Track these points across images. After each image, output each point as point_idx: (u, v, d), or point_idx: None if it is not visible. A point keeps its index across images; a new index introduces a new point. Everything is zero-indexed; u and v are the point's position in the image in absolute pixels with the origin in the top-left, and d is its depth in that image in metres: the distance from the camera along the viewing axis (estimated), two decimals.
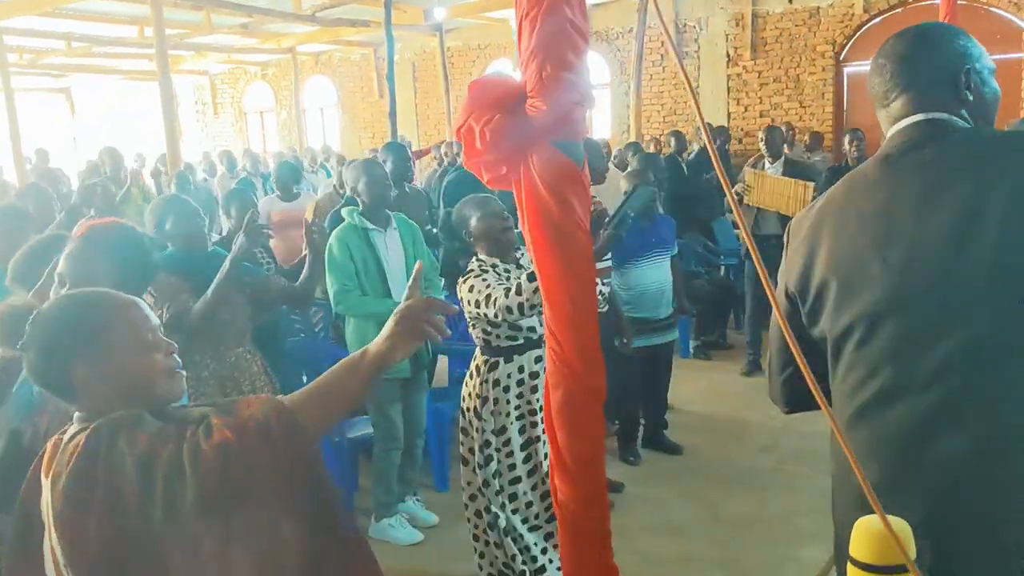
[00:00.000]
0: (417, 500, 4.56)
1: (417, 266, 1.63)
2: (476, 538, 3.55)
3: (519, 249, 3.52)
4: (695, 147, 9.97)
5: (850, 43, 11.47)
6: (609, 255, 3.95)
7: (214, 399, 2.95)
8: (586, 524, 1.73)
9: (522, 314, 3.11)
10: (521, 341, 3.42)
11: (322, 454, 1.58)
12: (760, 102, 12.23)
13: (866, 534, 1.18)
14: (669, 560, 3.95)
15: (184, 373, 1.66)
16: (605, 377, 1.73)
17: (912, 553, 1.14)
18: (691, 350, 7.14)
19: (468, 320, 3.46)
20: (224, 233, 5.80)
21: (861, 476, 1.12)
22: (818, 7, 11.50)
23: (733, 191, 6.37)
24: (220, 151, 13.24)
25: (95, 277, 2.25)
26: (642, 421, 5.36)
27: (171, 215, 3.56)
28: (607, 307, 4.71)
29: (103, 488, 1.43)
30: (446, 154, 10.48)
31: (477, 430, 3.43)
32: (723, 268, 6.91)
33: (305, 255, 3.86)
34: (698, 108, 1.28)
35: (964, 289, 1.53)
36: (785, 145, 8.87)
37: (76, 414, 1.59)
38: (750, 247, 1.50)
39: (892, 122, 1.77)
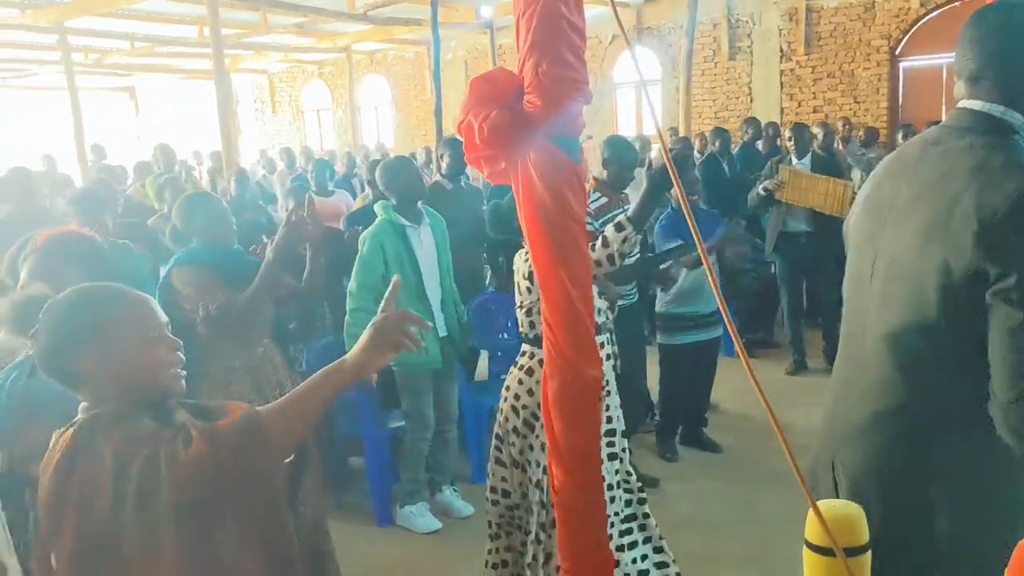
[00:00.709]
0: (454, 490, 4.63)
1: (394, 280, 1.69)
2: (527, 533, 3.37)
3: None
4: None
5: (906, 38, 11.23)
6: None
7: (219, 395, 3.06)
8: (581, 510, 1.76)
9: (612, 265, 2.98)
10: None
11: (284, 472, 1.58)
12: (813, 97, 12.05)
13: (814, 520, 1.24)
14: (703, 557, 3.94)
15: (184, 372, 1.71)
16: (600, 368, 1.75)
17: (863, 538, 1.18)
18: (734, 348, 7.07)
19: (524, 307, 3.33)
20: None
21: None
22: (873, 1, 11.29)
23: (764, 187, 6.37)
24: (280, 148, 13.49)
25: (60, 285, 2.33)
26: (681, 418, 5.35)
27: (199, 212, 3.65)
28: (636, 298, 4.72)
29: (79, 482, 1.49)
30: None
31: (537, 423, 3.21)
32: (771, 265, 6.84)
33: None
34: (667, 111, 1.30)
35: (870, 302, 1.82)
36: (841, 141, 8.76)
37: (82, 404, 1.64)
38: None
39: (956, 100, 1.73)
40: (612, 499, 3.13)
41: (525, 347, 3.35)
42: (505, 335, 5.87)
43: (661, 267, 4.76)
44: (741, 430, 5.54)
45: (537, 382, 3.23)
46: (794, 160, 6.50)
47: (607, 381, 3.27)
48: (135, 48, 13.75)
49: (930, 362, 1.69)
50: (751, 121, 8.91)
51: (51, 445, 1.61)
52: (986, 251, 1.51)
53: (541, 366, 3.15)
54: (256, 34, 12.92)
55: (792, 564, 3.80)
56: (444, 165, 5.87)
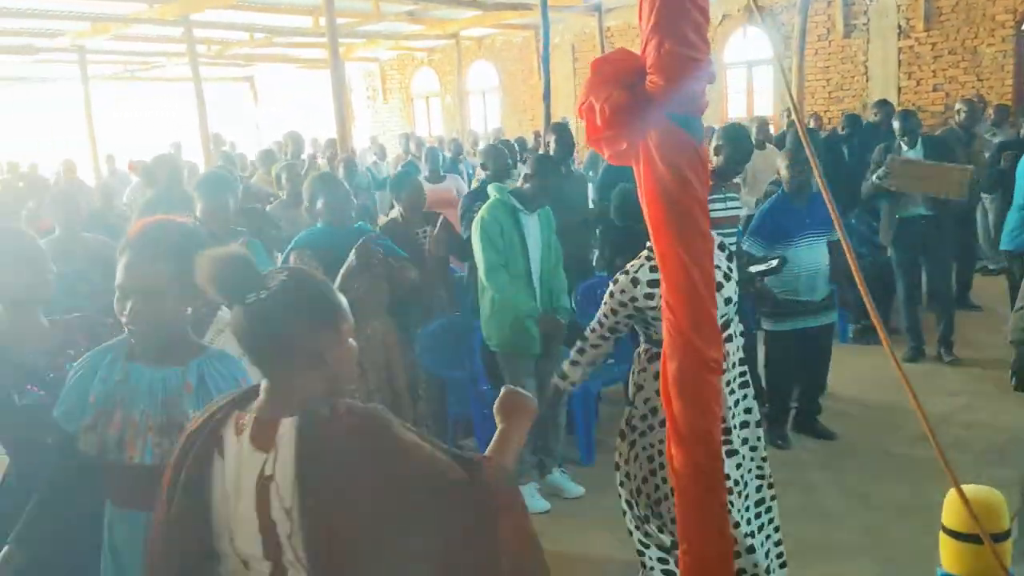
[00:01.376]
0: (563, 472, 4.67)
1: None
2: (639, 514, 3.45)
3: None
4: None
5: None
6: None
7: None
8: (700, 493, 1.75)
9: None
10: None
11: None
12: (933, 76, 11.55)
13: (955, 504, 1.20)
14: (817, 546, 3.88)
15: None
16: (721, 349, 1.74)
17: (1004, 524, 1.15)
18: (850, 334, 6.90)
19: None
20: (390, 214, 6.07)
21: None
22: None
23: (874, 177, 6.18)
24: (400, 134, 13.77)
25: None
26: (794, 405, 5.25)
27: (322, 194, 3.80)
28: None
29: (337, 478, 1.50)
30: None
31: (637, 416, 3.31)
32: (886, 249, 6.62)
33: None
34: (789, 89, 1.29)
35: None
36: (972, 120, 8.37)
37: (272, 388, 1.61)
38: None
39: None
40: (739, 494, 3.14)
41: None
42: None
43: (756, 284, 4.64)
44: (856, 417, 5.41)
45: (639, 371, 3.29)
46: (904, 148, 6.27)
47: (741, 373, 3.29)
48: (254, 39, 14.24)
49: None
50: (882, 104, 8.61)
51: (248, 431, 1.59)
52: None
53: (645, 356, 3.25)
54: (369, 22, 13.20)
55: (909, 554, 3.73)
56: (551, 150, 5.90)
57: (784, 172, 5.00)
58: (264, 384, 1.63)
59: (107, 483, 2.10)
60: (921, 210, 6.22)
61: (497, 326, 4.35)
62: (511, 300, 4.24)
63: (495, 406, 1.79)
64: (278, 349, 1.58)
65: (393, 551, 1.50)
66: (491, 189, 4.44)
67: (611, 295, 3.25)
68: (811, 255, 4.92)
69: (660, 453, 3.17)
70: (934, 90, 11.47)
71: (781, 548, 3.39)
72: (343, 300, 1.67)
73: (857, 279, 1.24)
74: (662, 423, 3.11)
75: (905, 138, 6.28)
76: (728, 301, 3.21)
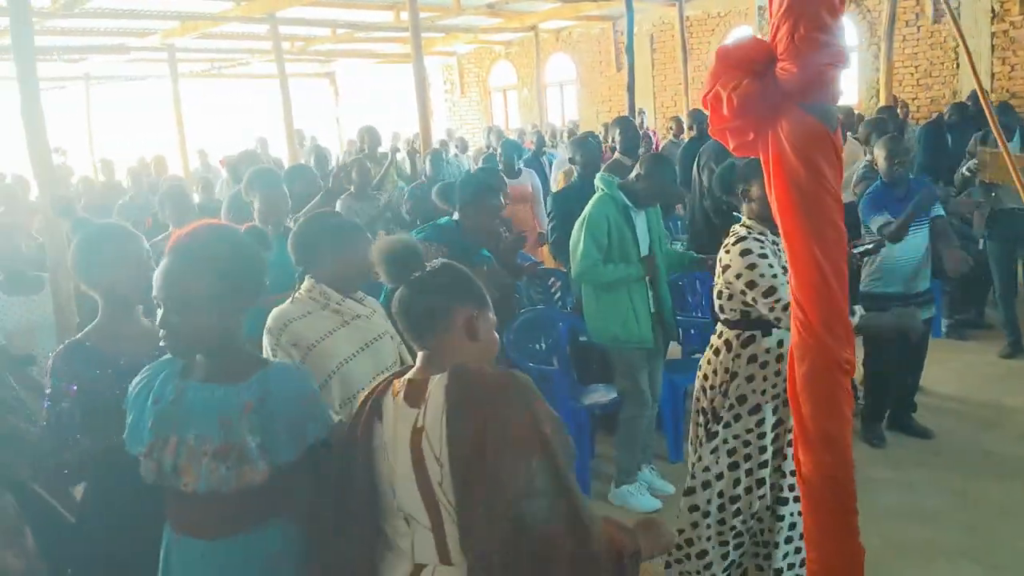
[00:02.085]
0: (652, 469, 4.63)
1: None
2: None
3: None
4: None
5: None
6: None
7: None
8: (829, 500, 1.69)
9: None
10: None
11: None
12: None
13: None
14: (916, 546, 3.79)
15: None
16: (854, 349, 1.67)
17: None
18: (944, 329, 6.69)
19: (722, 289, 3.20)
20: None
21: None
22: None
23: (965, 169, 5.99)
24: (485, 127, 13.82)
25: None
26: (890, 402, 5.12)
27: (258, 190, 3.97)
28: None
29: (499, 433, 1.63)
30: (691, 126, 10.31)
31: (724, 407, 3.17)
32: (982, 241, 6.42)
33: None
34: (973, 68, 1.25)
35: None
36: None
37: (427, 357, 1.79)
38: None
39: None
40: None
41: (719, 326, 3.31)
42: (698, 313, 5.81)
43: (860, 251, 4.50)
44: (953, 415, 5.27)
45: (732, 357, 3.18)
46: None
47: None
48: (336, 35, 14.45)
49: None
50: (958, 106, 8.35)
51: (404, 391, 1.75)
52: None
53: (738, 341, 3.16)
54: (448, 16, 13.27)
55: (1013, 555, 3.61)
56: (619, 142, 5.87)
57: (882, 163, 4.87)
58: (420, 355, 1.80)
59: (167, 507, 2.00)
60: (1018, 203, 6.02)
61: (607, 320, 4.28)
62: (610, 279, 4.18)
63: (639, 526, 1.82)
64: (436, 318, 1.77)
65: (508, 500, 1.59)
66: (599, 182, 4.32)
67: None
68: (911, 244, 4.76)
69: (745, 445, 3.12)
70: None
71: None
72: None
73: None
74: (751, 411, 3.10)
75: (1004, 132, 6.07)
76: None
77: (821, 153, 1.57)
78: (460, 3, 12.12)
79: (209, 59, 16.05)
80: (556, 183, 6.53)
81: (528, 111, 17.69)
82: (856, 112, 9.53)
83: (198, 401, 1.91)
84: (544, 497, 1.60)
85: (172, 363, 2.01)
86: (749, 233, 3.15)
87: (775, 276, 2.97)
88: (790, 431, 3.06)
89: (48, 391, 2.33)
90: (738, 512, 3.18)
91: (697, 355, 5.55)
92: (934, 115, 9.70)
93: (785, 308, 2.81)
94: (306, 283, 2.83)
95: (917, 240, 4.78)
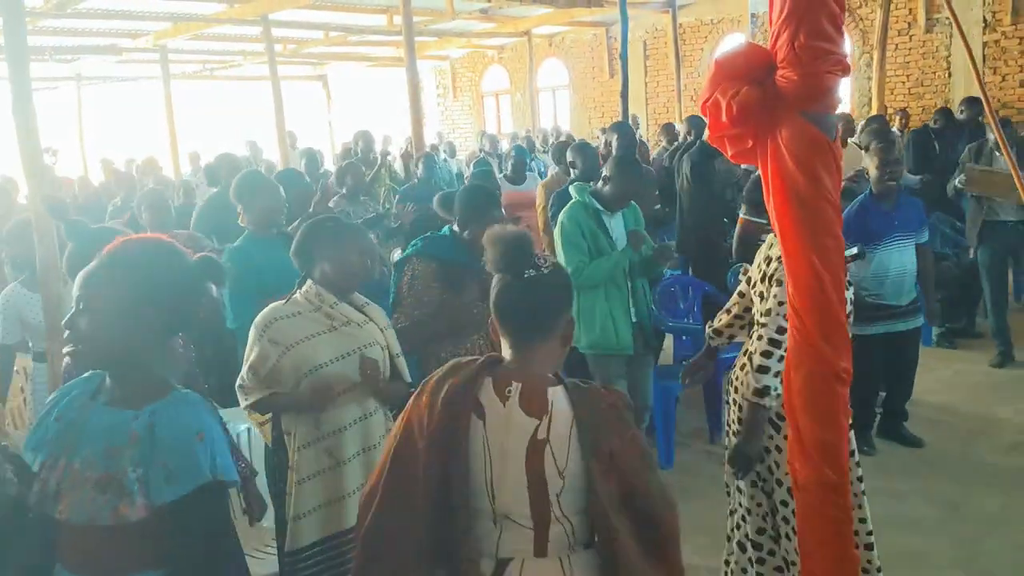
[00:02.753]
0: None
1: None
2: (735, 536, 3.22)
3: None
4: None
5: None
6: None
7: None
8: (826, 510, 1.68)
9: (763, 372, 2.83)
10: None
11: None
12: (1020, 71, 11.19)
13: None
14: (905, 556, 3.78)
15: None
16: (851, 359, 1.67)
17: None
18: (934, 338, 6.71)
19: (764, 294, 3.05)
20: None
21: None
22: None
23: (957, 182, 6.06)
24: (478, 132, 13.83)
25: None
26: (878, 410, 5.12)
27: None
28: None
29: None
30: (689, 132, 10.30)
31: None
32: (972, 251, 6.44)
33: None
34: (980, 82, 1.24)
35: None
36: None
37: (522, 358, 1.81)
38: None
39: None
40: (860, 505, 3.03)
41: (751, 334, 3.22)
42: (690, 319, 5.81)
43: None
44: (944, 424, 5.27)
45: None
46: (996, 155, 6.09)
47: None
48: (329, 37, 14.44)
49: None
50: (970, 102, 8.37)
51: (522, 397, 1.76)
52: None
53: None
54: (442, 21, 13.28)
55: (1005, 568, 3.60)
56: (614, 148, 5.87)
57: (873, 172, 4.87)
58: (511, 354, 1.82)
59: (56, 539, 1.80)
60: (1012, 216, 6.09)
61: (586, 327, 4.26)
62: (602, 273, 4.17)
63: None
64: (542, 320, 1.80)
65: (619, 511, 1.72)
66: (573, 190, 4.38)
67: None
68: (899, 257, 4.79)
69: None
70: (1021, 86, 11.11)
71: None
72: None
73: None
74: None
75: (997, 151, 6.12)
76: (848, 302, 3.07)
77: (820, 162, 1.57)
78: (454, 8, 12.13)
79: (201, 60, 16.03)
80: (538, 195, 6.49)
81: (520, 116, 17.72)
82: (853, 119, 9.55)
83: (92, 425, 1.77)
84: (659, 492, 1.75)
85: (89, 382, 1.90)
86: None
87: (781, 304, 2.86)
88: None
89: None
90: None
91: (687, 361, 5.59)
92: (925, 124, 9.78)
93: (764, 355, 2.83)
94: (305, 285, 2.90)
95: (904, 256, 4.81)
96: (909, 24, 12.11)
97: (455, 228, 3.76)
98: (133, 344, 1.78)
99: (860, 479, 3.09)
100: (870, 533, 3.09)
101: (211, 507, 1.76)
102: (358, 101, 19.72)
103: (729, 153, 1.69)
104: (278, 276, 3.32)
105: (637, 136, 10.43)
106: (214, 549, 1.78)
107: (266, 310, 2.87)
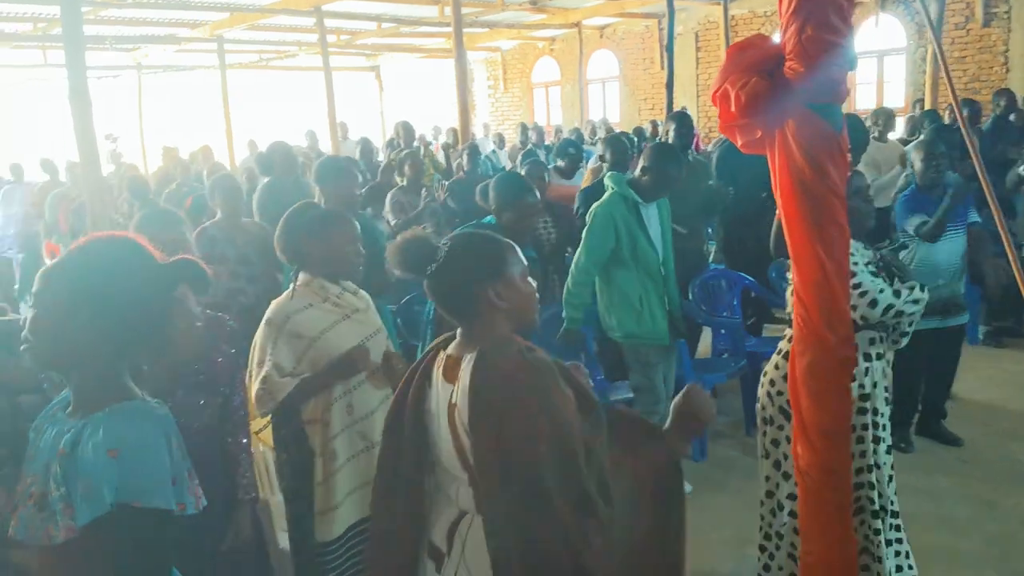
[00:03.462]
0: None
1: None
2: (767, 536, 3.17)
3: None
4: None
5: None
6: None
7: None
8: (826, 494, 1.71)
9: (898, 321, 2.81)
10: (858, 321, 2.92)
11: None
12: None
13: None
14: (940, 554, 3.75)
15: None
16: (854, 347, 1.69)
17: None
18: (980, 336, 6.59)
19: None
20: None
21: None
22: None
23: (1019, 171, 5.90)
24: (520, 125, 13.89)
25: None
26: (919, 407, 5.07)
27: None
28: None
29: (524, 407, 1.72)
30: None
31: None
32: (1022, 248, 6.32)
33: None
34: (947, 75, 1.27)
35: None
36: None
37: (463, 333, 1.89)
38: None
39: None
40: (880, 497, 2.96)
41: (788, 330, 3.24)
42: (728, 313, 5.80)
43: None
44: (984, 423, 5.18)
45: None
46: None
47: (875, 384, 2.99)
48: (381, 29, 14.57)
49: None
50: (1003, 92, 8.19)
51: (443, 365, 1.87)
52: None
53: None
54: (492, 12, 13.32)
55: None
56: (671, 139, 5.85)
57: (918, 165, 4.82)
58: (459, 330, 1.91)
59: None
60: None
61: (619, 315, 4.30)
62: (577, 303, 4.26)
63: (678, 402, 1.89)
64: (460, 302, 1.86)
65: (519, 484, 1.69)
66: (608, 180, 4.36)
67: None
68: (947, 247, 4.71)
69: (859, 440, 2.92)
70: None
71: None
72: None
73: (1016, 271, 1.20)
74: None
75: None
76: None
77: (827, 153, 1.59)
78: None
79: (257, 51, 16.28)
80: (584, 181, 6.50)
81: (570, 107, 17.70)
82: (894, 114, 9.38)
83: (45, 437, 1.66)
84: (544, 497, 1.65)
85: (61, 403, 1.77)
86: None
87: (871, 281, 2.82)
88: (873, 431, 2.94)
89: None
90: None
91: (726, 354, 5.60)
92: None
93: (872, 305, 2.72)
94: (302, 278, 2.87)
95: (954, 245, 4.72)
96: (966, 18, 11.86)
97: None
98: (80, 348, 1.62)
99: (890, 465, 3.05)
100: (897, 515, 3.08)
101: (122, 534, 1.55)
102: (410, 92, 19.86)
103: (739, 143, 1.71)
104: None
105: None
106: None
107: (274, 307, 2.82)
